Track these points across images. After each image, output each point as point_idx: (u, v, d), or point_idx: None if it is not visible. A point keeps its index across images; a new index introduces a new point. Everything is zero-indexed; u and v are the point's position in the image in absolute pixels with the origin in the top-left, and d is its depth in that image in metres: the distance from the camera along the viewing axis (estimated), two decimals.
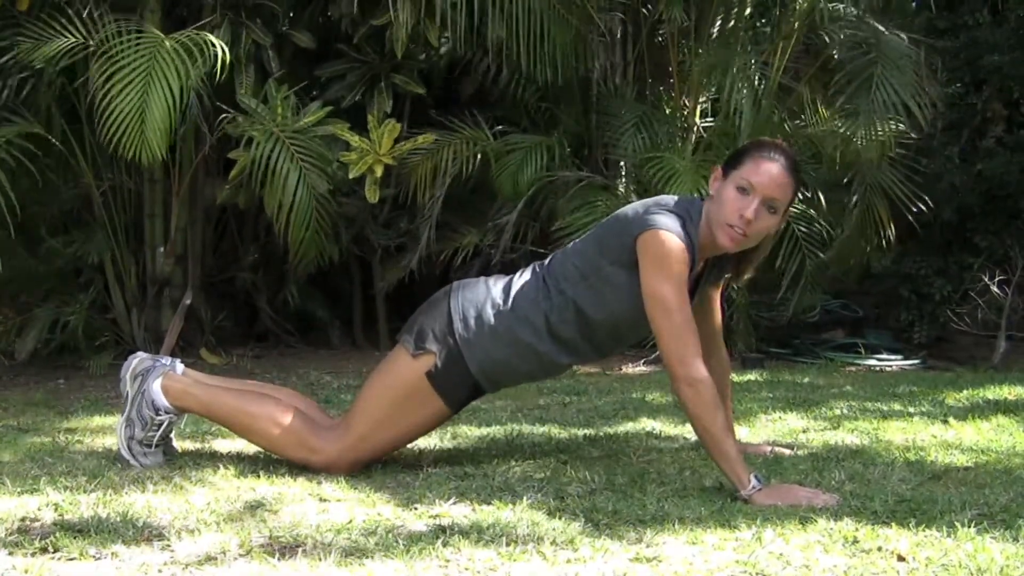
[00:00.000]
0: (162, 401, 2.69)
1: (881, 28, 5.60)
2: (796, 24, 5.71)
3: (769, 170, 2.53)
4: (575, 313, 2.61)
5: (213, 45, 4.55)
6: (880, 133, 5.31)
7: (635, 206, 2.63)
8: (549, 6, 5.24)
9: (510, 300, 2.64)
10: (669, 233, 2.49)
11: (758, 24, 6.31)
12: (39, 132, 4.86)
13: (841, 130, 5.51)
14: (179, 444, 3.00)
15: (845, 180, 5.82)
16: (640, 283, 2.51)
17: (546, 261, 2.74)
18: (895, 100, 5.29)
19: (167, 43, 4.52)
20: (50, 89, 5.04)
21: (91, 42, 4.68)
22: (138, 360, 2.77)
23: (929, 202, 5.71)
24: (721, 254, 2.65)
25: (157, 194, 5.41)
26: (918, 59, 5.50)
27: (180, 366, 2.81)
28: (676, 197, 2.65)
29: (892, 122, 5.36)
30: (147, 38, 4.61)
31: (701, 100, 5.82)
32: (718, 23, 5.94)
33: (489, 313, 2.63)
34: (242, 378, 3.79)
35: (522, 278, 2.70)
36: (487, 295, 2.66)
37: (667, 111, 5.96)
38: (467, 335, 2.61)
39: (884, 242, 5.76)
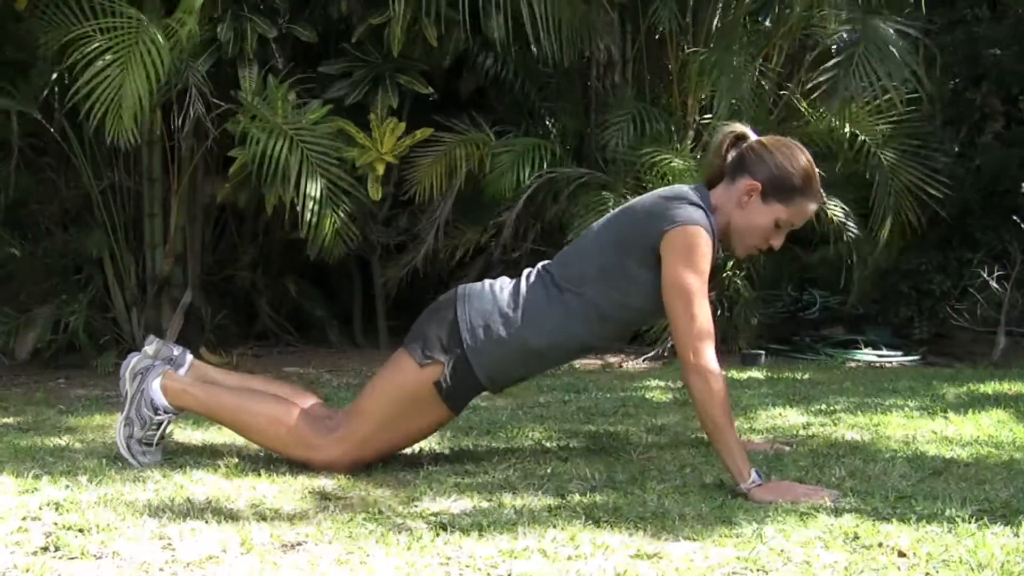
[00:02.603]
0: (161, 401, 2.69)
1: (878, 19, 5.61)
2: (794, 21, 5.71)
3: (810, 211, 2.62)
4: (595, 314, 2.61)
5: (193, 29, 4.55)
6: (857, 109, 5.34)
7: (653, 201, 2.60)
8: None
9: (519, 309, 2.62)
10: (698, 227, 2.50)
11: (759, 19, 6.31)
12: (33, 115, 4.84)
13: (839, 122, 5.52)
14: (180, 442, 3.00)
15: (849, 179, 5.82)
16: (662, 277, 2.51)
17: (551, 263, 2.71)
18: (873, 79, 5.30)
19: (148, 28, 4.50)
20: (49, 75, 5.04)
21: (92, 31, 4.67)
22: (137, 358, 2.77)
23: (942, 191, 5.69)
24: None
25: (156, 193, 5.40)
26: (907, 47, 5.50)
27: (189, 357, 2.82)
28: (689, 187, 2.63)
29: (871, 99, 5.38)
30: (127, 20, 4.58)
31: (700, 97, 5.82)
32: (716, 20, 5.94)
33: (498, 322, 2.61)
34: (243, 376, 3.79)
35: (529, 283, 2.67)
36: (495, 304, 2.64)
37: (665, 108, 5.95)
38: (476, 345, 2.60)
39: (915, 232, 5.76)
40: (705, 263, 2.49)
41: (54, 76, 5.06)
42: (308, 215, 4.86)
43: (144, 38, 4.46)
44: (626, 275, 2.58)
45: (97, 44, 4.51)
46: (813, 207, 2.62)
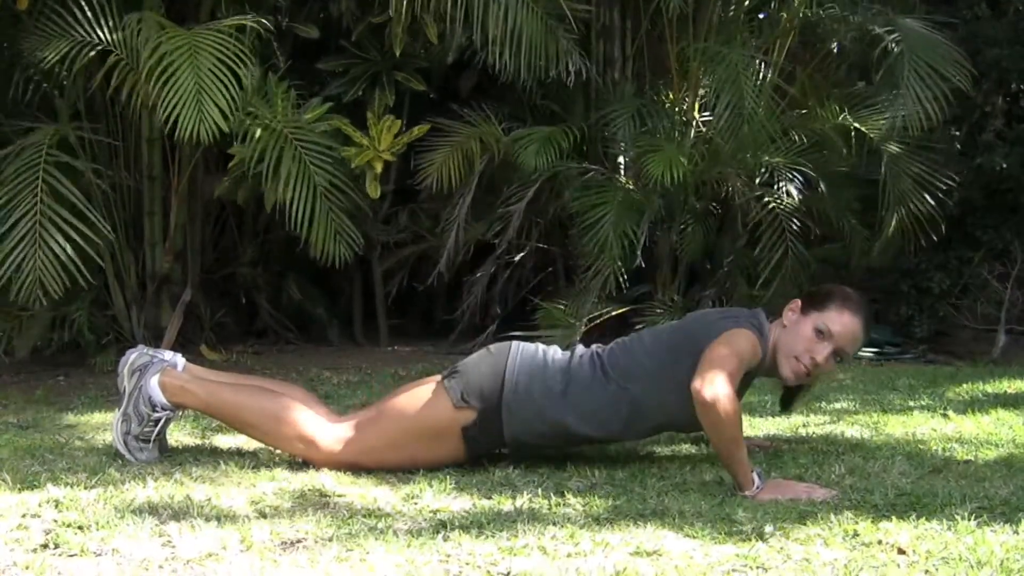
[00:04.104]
0: (159, 398, 2.69)
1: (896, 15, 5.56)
2: (795, 18, 5.70)
3: (851, 325, 2.65)
4: (634, 410, 2.63)
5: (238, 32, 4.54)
6: (920, 112, 5.16)
7: (711, 316, 2.74)
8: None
9: (565, 386, 2.64)
10: (751, 333, 2.58)
11: (758, 18, 6.30)
12: (68, 135, 4.84)
13: (850, 120, 5.48)
14: (180, 440, 3.00)
15: (854, 178, 5.77)
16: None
17: (605, 351, 2.74)
18: (931, 75, 5.15)
19: (203, 45, 4.48)
20: (68, 87, 5.02)
21: (101, 40, 4.67)
22: (136, 355, 2.77)
23: (947, 183, 5.63)
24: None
25: (156, 191, 5.39)
26: (948, 37, 5.40)
27: (181, 361, 2.81)
28: (749, 311, 2.73)
29: (931, 101, 5.19)
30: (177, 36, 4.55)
31: (700, 94, 5.81)
32: (717, 16, 5.93)
33: (541, 392, 2.63)
34: (241, 375, 3.79)
35: (581, 363, 2.69)
36: (544, 371, 2.66)
37: (666, 105, 5.95)
38: (513, 405, 2.62)
39: (922, 233, 5.70)
40: (747, 355, 2.54)
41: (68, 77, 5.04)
42: (306, 214, 4.82)
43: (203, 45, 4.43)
44: (675, 380, 2.57)
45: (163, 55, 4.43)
46: (850, 318, 2.65)
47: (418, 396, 2.71)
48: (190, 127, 4.30)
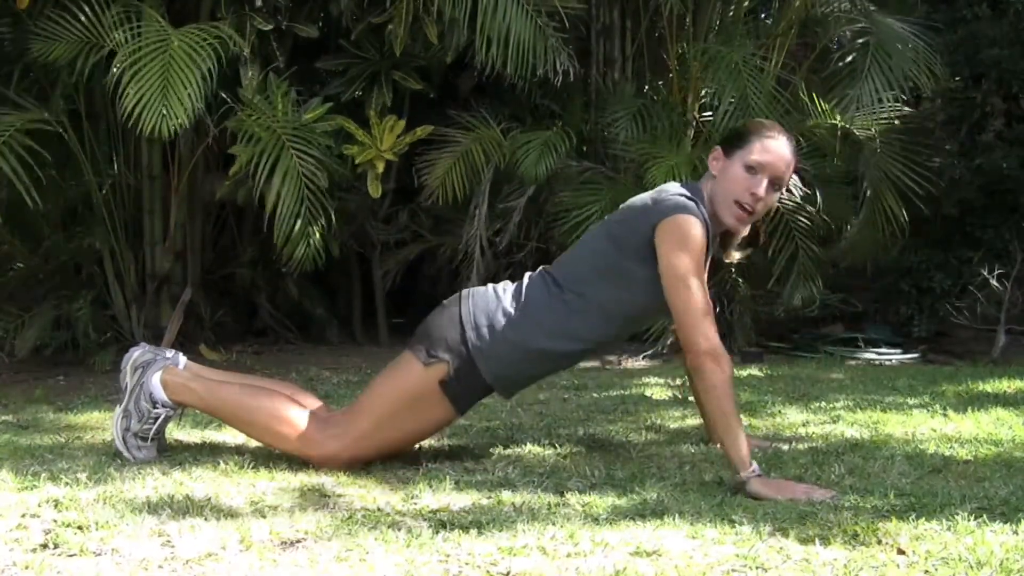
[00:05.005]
0: (160, 395, 2.70)
1: (875, 10, 5.60)
2: (794, 17, 5.70)
3: (778, 149, 2.63)
4: (597, 312, 2.63)
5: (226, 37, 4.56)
6: (880, 108, 5.25)
7: (643, 198, 2.67)
8: None
9: (522, 308, 2.64)
10: (688, 215, 2.54)
11: (758, 17, 6.31)
12: (47, 120, 4.83)
13: (838, 119, 5.50)
14: (180, 439, 3.00)
15: (851, 178, 5.80)
16: (660, 268, 2.53)
17: (552, 266, 2.74)
18: (894, 72, 5.26)
19: (176, 40, 4.50)
20: (62, 82, 5.03)
21: (103, 40, 4.68)
22: (140, 352, 2.78)
23: (932, 191, 5.67)
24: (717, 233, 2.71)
25: (156, 190, 5.40)
26: (916, 42, 5.46)
27: (183, 360, 2.81)
28: (679, 183, 2.69)
29: (892, 97, 5.28)
30: (159, 32, 4.56)
31: (700, 94, 5.82)
32: (717, 16, 5.94)
33: (501, 322, 2.63)
34: (241, 374, 3.79)
35: (532, 284, 2.70)
36: (498, 304, 2.66)
37: (666, 105, 5.95)
38: (480, 344, 2.62)
39: (895, 232, 5.73)
40: (699, 248, 2.53)
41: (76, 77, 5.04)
42: (285, 218, 4.80)
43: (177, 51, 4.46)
44: (625, 273, 2.61)
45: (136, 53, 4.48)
46: (774, 143, 2.62)
47: (390, 371, 2.73)
48: (151, 123, 4.34)
